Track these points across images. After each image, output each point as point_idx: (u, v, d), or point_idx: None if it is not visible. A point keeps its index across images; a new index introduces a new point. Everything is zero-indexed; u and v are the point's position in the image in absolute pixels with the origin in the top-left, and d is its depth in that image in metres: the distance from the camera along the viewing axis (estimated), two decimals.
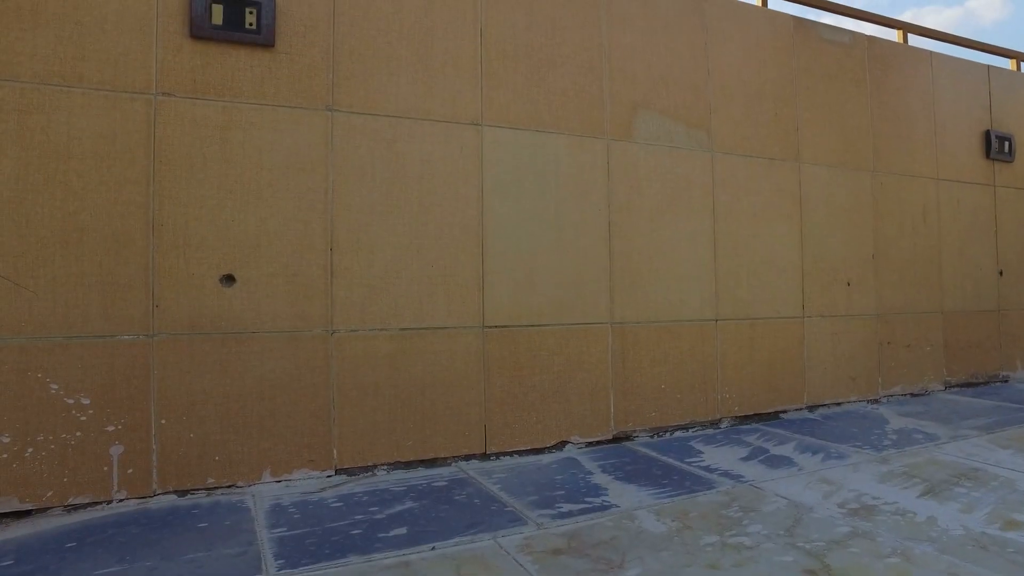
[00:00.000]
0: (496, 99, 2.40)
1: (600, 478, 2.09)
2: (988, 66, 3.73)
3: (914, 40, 3.67)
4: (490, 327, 2.35)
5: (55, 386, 1.84)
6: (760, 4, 3.22)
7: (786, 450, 2.39)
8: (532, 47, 2.47)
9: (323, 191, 2.15)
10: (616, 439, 2.54)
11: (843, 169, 3.15)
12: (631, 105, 2.63)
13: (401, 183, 2.25)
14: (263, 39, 2.10)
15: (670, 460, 2.28)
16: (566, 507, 1.82)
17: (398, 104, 2.26)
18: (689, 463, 2.24)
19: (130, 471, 1.89)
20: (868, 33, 3.32)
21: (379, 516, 1.76)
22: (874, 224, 3.22)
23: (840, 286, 3.10)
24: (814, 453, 2.33)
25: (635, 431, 2.58)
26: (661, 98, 2.70)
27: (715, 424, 2.74)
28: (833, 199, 3.10)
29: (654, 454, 2.36)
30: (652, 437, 2.59)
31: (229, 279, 2.04)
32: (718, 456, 2.33)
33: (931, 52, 3.51)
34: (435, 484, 2.05)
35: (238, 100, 2.07)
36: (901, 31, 3.67)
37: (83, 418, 1.86)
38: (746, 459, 2.28)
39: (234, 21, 2.07)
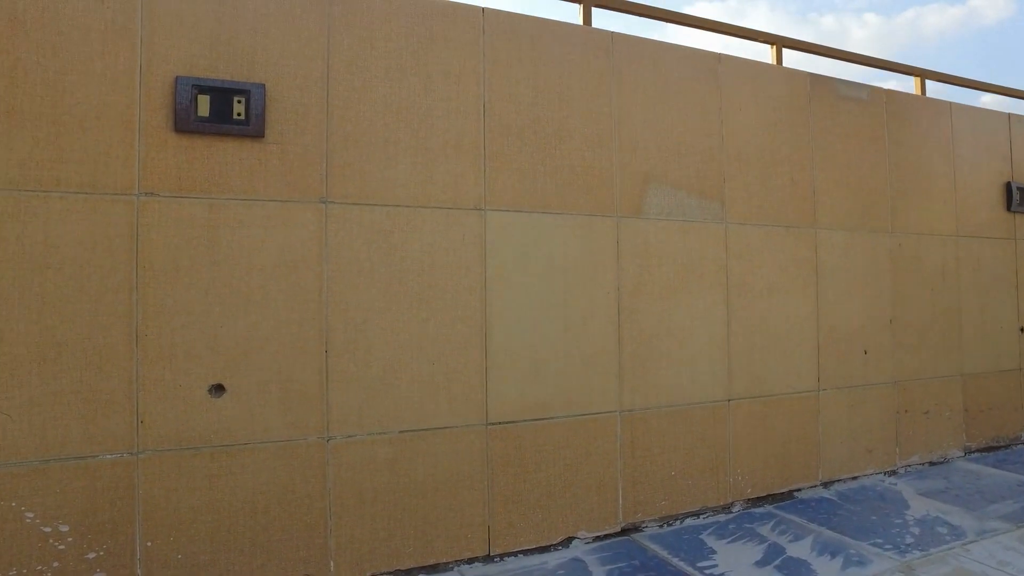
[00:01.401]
0: (500, 180, 2.28)
1: None
2: (1009, 115, 3.59)
3: (932, 89, 3.54)
4: (494, 424, 2.24)
5: (30, 515, 1.73)
6: (775, 62, 3.09)
7: (803, 550, 2.28)
8: (538, 122, 2.35)
9: (317, 290, 2.04)
10: (624, 531, 2.43)
11: (860, 232, 3.02)
12: (642, 178, 2.51)
13: (400, 277, 2.13)
14: (252, 130, 1.97)
15: (680, 564, 2.17)
16: None
17: (396, 192, 2.14)
18: (700, 568, 2.13)
19: None
20: (884, 77, 3.18)
21: None
22: (892, 288, 3.10)
23: (857, 355, 2.98)
24: (833, 556, 2.22)
25: (644, 522, 2.47)
26: (673, 169, 2.57)
27: (727, 508, 2.63)
28: (850, 264, 2.98)
29: (664, 553, 2.25)
30: (661, 527, 2.49)
31: (219, 389, 1.93)
32: (731, 558, 2.22)
33: (951, 103, 3.38)
34: None
35: (226, 196, 1.95)
36: (919, 78, 3.54)
37: (61, 547, 1.76)
38: (761, 564, 2.17)
39: (221, 112, 1.95)
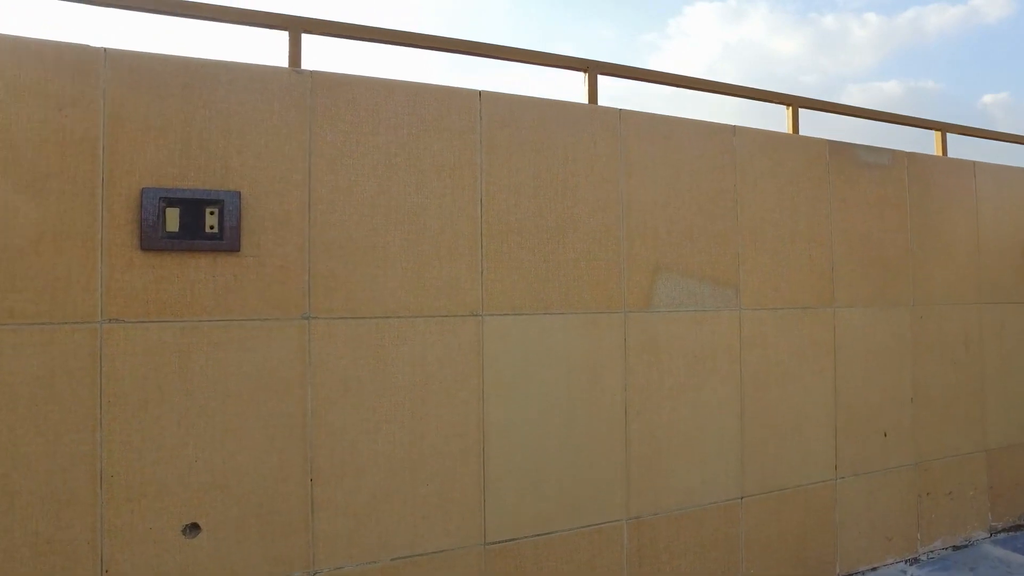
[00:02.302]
0: (499, 282, 2.11)
1: None
2: None
3: (954, 145, 3.36)
4: (492, 543, 2.08)
5: None
6: (791, 123, 2.91)
7: None
8: (541, 214, 2.17)
9: (300, 413, 1.87)
10: None
11: (880, 306, 2.85)
12: (651, 268, 2.34)
13: (391, 394, 1.96)
14: (227, 244, 1.80)
15: None
16: None
17: (386, 302, 1.97)
18: None
19: None
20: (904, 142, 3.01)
21: None
22: (913, 363, 2.94)
23: (876, 438, 2.82)
24: None
25: None
26: (685, 256, 2.40)
27: None
28: (869, 343, 2.81)
29: None
30: None
31: (193, 528, 1.77)
32: None
33: (974, 163, 3.20)
34: None
35: (199, 318, 1.78)
36: (940, 132, 3.36)
37: None
38: None
39: (192, 226, 1.77)
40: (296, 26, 2.10)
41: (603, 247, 2.26)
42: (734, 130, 2.54)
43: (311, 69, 1.94)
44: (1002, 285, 3.25)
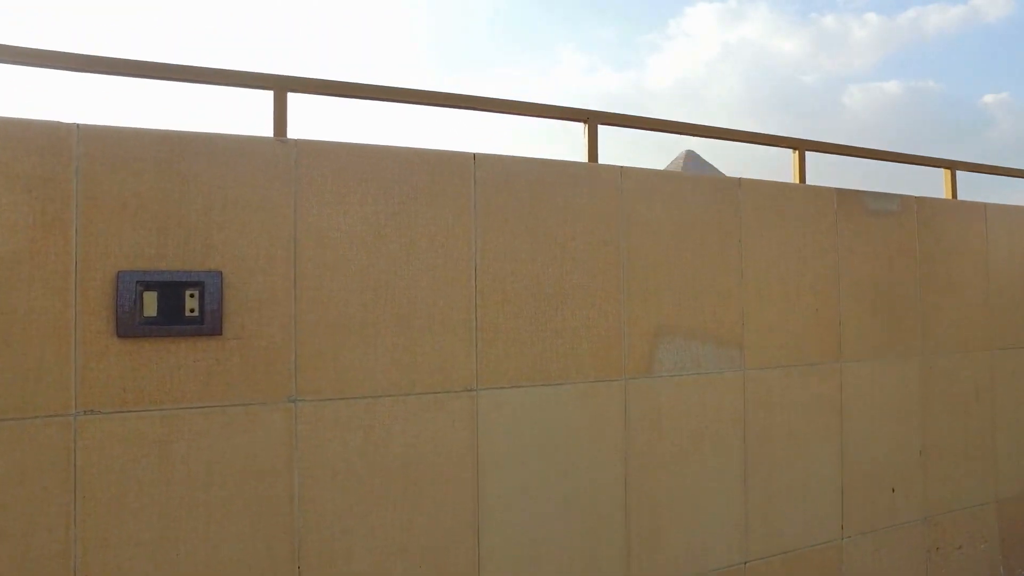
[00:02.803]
0: (494, 354, 2.02)
1: None
2: None
3: (964, 187, 3.27)
4: None
5: None
6: (797, 167, 2.82)
7: None
8: (538, 281, 2.09)
9: (287, 500, 1.79)
10: None
11: (888, 358, 2.77)
12: (653, 332, 2.25)
13: (382, 476, 1.88)
14: (208, 328, 1.72)
15: None
16: None
17: (376, 380, 1.88)
18: None
19: None
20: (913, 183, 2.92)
21: None
22: (921, 414, 2.86)
23: (884, 494, 2.74)
24: None
25: None
26: (687, 316, 2.31)
27: None
28: (877, 396, 2.73)
29: None
30: None
31: None
32: None
33: (985, 204, 3.11)
34: None
35: (180, 405, 1.70)
36: (948, 170, 3.27)
37: None
38: None
39: (171, 310, 1.69)
40: (282, 86, 2.01)
41: (603, 312, 2.17)
42: (739, 183, 2.45)
43: (296, 138, 1.85)
44: (1014, 329, 3.16)
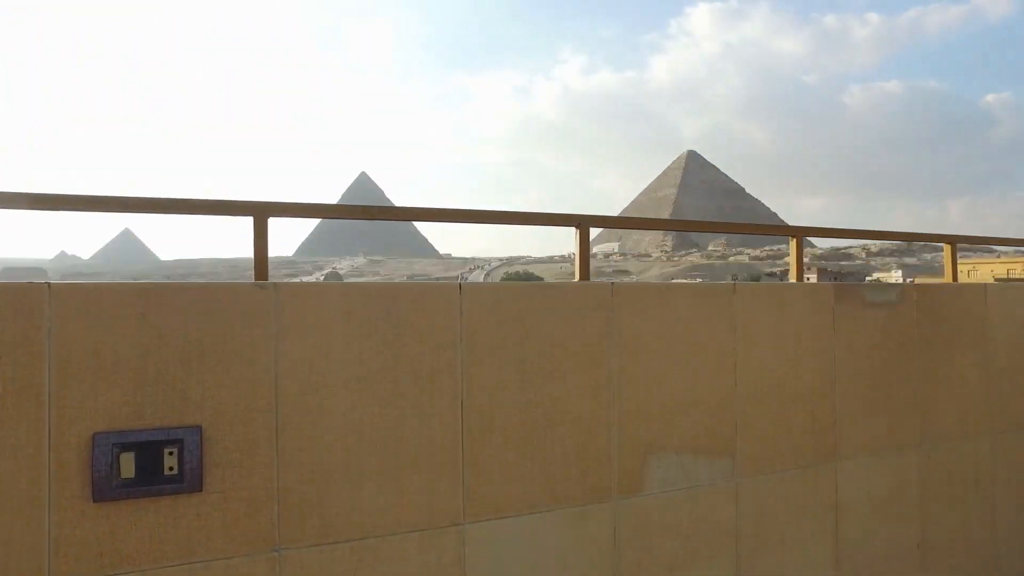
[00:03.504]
0: (481, 486, 1.99)
1: None
2: None
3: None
4: None
5: None
6: (794, 253, 2.77)
7: None
8: (525, 409, 2.05)
9: None
10: None
11: (886, 453, 2.73)
12: (643, 449, 2.22)
13: None
14: (188, 486, 1.68)
15: None
16: None
17: (361, 522, 1.85)
18: None
19: None
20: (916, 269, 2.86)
21: None
22: (919, 508, 2.82)
23: None
24: None
25: None
26: (679, 431, 2.28)
27: None
28: (873, 493, 2.70)
29: None
30: None
31: None
32: None
33: (985, 285, 3.06)
34: None
35: (160, 565, 1.67)
36: (949, 244, 3.21)
37: None
38: None
39: (150, 469, 1.65)
40: (262, 211, 1.97)
41: (592, 435, 2.13)
42: (734, 288, 2.40)
43: (276, 281, 1.80)
44: (1017, 413, 3.12)
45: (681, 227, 2.52)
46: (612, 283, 2.19)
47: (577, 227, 2.33)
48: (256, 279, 1.92)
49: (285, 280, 1.83)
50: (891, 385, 2.76)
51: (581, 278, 2.31)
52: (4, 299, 1.57)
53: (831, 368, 2.60)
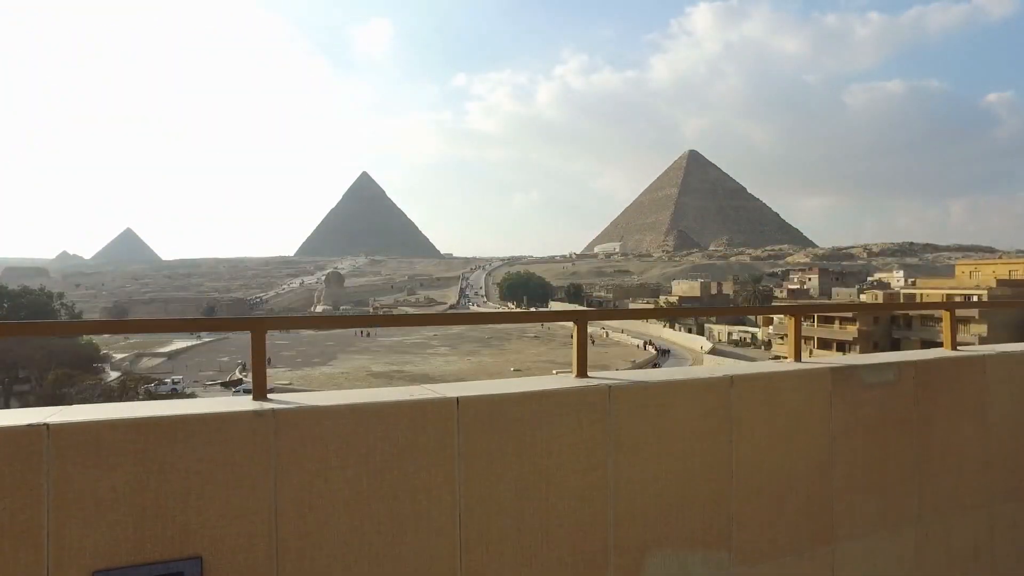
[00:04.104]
0: None
1: None
2: None
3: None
4: None
5: None
6: (792, 333, 2.78)
7: None
8: (522, 517, 2.06)
9: None
10: None
11: (882, 532, 2.74)
12: (640, 548, 2.23)
13: None
14: None
15: None
16: None
17: None
18: None
19: None
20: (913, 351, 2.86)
21: None
22: None
23: None
24: None
25: None
26: (675, 528, 2.29)
27: None
28: (871, 573, 2.70)
29: None
30: None
31: None
32: None
33: (984, 355, 3.06)
34: None
35: None
36: (948, 311, 3.21)
37: None
38: None
39: None
40: (259, 326, 1.98)
41: (589, 537, 2.15)
42: (731, 380, 2.41)
43: (274, 407, 1.82)
44: (1016, 482, 3.12)
45: (677, 313, 2.53)
46: (609, 385, 2.20)
47: (575, 322, 2.34)
48: (255, 395, 1.93)
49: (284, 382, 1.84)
50: (887, 463, 2.76)
51: (579, 373, 2.32)
52: (2, 442, 1.58)
53: (827, 451, 2.61)
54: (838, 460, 2.63)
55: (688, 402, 2.32)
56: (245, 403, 1.86)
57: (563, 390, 2.16)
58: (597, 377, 2.30)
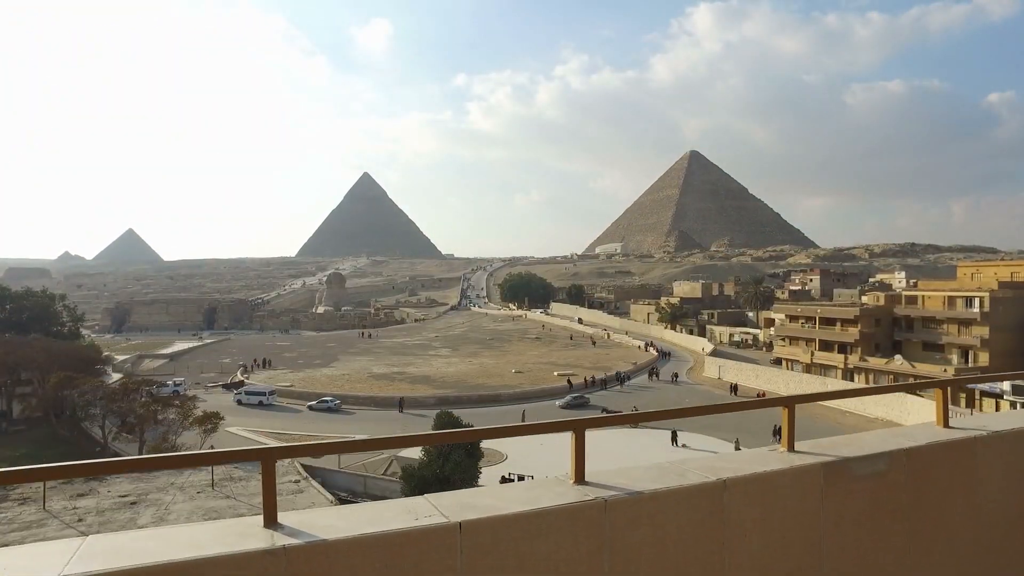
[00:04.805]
0: None
1: None
2: None
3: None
4: None
5: None
6: (786, 423, 2.85)
7: None
8: None
9: None
10: None
11: None
12: None
13: None
14: None
15: None
16: None
17: None
18: None
19: None
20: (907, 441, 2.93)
21: None
22: None
23: None
24: None
25: None
26: None
27: None
28: None
29: None
30: None
31: None
32: None
33: (975, 438, 3.13)
34: None
35: None
36: (940, 389, 3.28)
37: None
38: None
39: None
40: (268, 456, 2.06)
41: None
42: (724, 485, 2.48)
43: (285, 543, 1.89)
44: (1007, 558, 3.18)
45: (680, 414, 2.60)
46: (605, 500, 2.28)
47: (573, 431, 2.41)
48: (265, 522, 2.00)
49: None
50: (879, 552, 2.83)
51: (576, 479, 2.39)
52: None
53: (817, 546, 2.68)
54: (829, 554, 2.70)
55: (682, 510, 2.39)
56: (255, 534, 1.92)
57: (561, 508, 2.22)
58: (594, 485, 2.37)
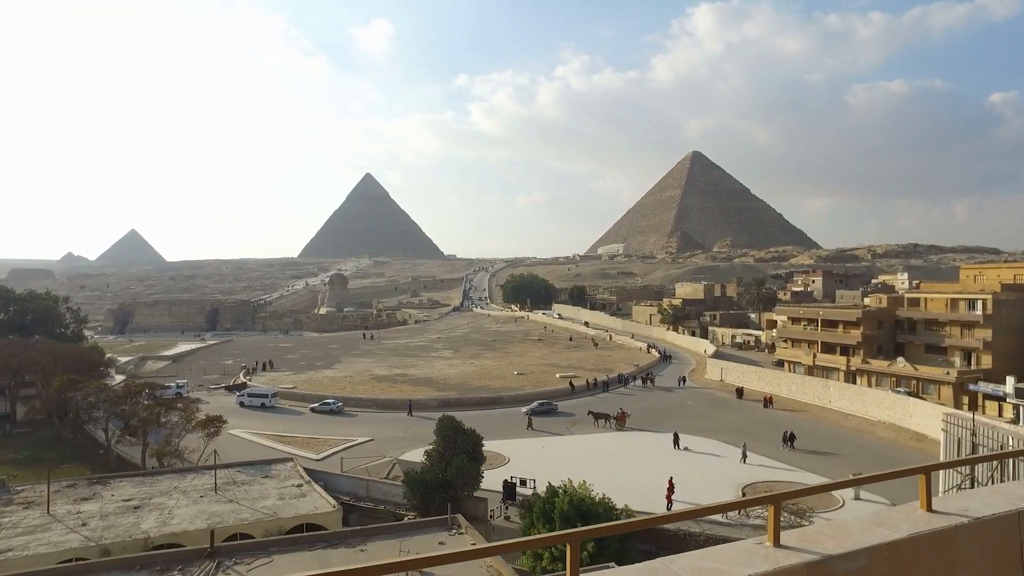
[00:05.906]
0: None
1: None
2: (1018, 511, 3.43)
3: None
4: None
5: None
6: (771, 525, 2.95)
7: None
8: None
9: None
10: None
11: None
12: None
13: None
14: None
15: None
16: None
17: None
18: None
19: None
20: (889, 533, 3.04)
21: None
22: None
23: None
24: None
25: None
26: None
27: None
28: None
29: None
30: None
31: None
32: None
33: (956, 527, 3.23)
34: None
35: None
36: (924, 475, 3.39)
37: None
38: None
39: None
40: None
41: None
42: None
43: None
44: None
45: (654, 523, 2.71)
46: None
47: (567, 543, 2.53)
48: None
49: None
50: None
51: None
52: None
53: None
54: None
55: None
56: None
57: None
58: None
